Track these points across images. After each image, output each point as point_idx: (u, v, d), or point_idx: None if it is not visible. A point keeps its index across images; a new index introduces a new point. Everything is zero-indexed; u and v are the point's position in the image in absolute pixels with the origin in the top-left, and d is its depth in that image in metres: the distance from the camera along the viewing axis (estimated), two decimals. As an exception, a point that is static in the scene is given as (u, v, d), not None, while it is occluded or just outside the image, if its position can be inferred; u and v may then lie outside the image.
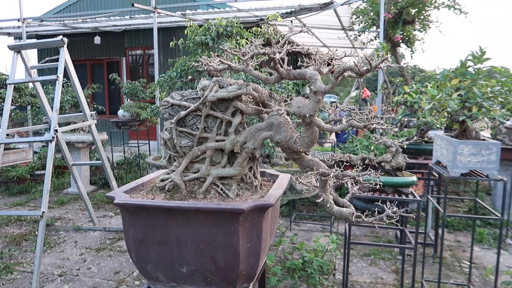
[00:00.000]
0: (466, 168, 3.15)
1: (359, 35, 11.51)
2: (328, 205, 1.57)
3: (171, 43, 3.57)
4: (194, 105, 1.50)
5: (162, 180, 1.55)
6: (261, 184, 1.65)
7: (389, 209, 1.55)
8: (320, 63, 1.34)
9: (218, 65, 1.46)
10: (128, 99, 7.09)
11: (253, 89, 1.46)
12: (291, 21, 10.17)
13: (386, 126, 1.26)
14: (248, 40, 3.51)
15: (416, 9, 10.67)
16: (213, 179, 1.51)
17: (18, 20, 8.56)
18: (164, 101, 1.57)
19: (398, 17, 10.15)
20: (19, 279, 3.66)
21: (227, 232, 1.36)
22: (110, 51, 11.01)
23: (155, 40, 6.84)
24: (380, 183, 1.49)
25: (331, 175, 1.38)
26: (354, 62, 1.13)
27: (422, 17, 10.96)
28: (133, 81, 6.57)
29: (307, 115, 1.30)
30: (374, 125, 1.28)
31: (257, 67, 1.71)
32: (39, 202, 6.03)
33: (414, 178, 2.78)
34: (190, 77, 3.35)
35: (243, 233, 1.36)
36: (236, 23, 3.53)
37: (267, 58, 1.52)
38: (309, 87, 1.28)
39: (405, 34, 11.14)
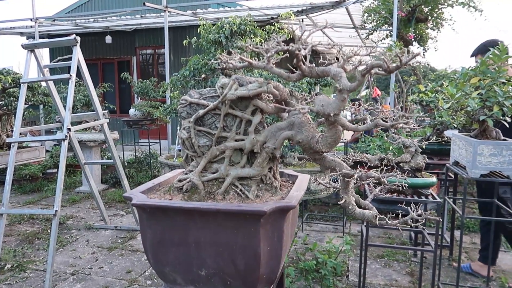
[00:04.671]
0: (486, 169, 3.07)
1: (371, 34, 11.38)
2: (350, 207, 1.52)
3: (184, 42, 3.54)
4: (213, 104, 1.47)
5: (180, 180, 1.52)
6: (280, 185, 1.61)
7: (413, 211, 1.50)
8: (344, 60, 1.29)
9: (239, 62, 1.42)
10: (139, 98, 7.10)
11: (274, 87, 1.42)
12: (302, 20, 10.10)
13: (414, 126, 1.21)
14: (263, 38, 3.46)
15: (430, 7, 10.51)
16: (232, 179, 1.47)
17: (31, 20, 8.64)
18: (182, 100, 1.54)
19: (411, 15, 10.02)
20: (32, 277, 3.67)
21: (248, 234, 1.31)
22: (121, 50, 11.06)
23: (166, 39, 6.84)
24: (406, 184, 1.44)
25: (355, 176, 1.34)
26: (383, 58, 1.08)
27: (435, 15, 10.80)
28: (145, 80, 6.56)
29: (332, 114, 1.26)
30: (401, 125, 1.23)
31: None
32: (51, 200, 6.06)
33: (434, 179, 2.71)
34: (203, 75, 3.32)
35: (264, 236, 1.32)
36: (250, 21, 3.48)
37: (285, 56, 1.48)
38: (334, 85, 1.23)
39: (417, 32, 10.99)
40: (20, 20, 9.48)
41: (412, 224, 1.45)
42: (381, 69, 1.12)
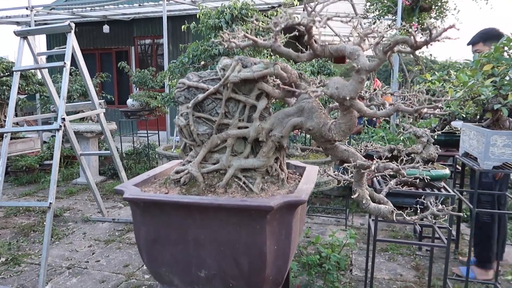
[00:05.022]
0: (499, 160, 2.93)
1: (374, 23, 11.17)
2: (364, 201, 1.39)
3: (183, 27, 3.39)
4: (213, 87, 1.32)
5: (177, 172, 1.38)
6: (287, 177, 1.47)
7: (433, 206, 1.37)
8: (361, 38, 1.15)
9: (242, 41, 1.27)
10: (137, 88, 6.94)
11: (282, 69, 1.27)
12: (303, 9, 9.90)
13: (441, 109, 1.07)
14: (265, 23, 3.29)
15: (435, -3, 10.29)
16: (235, 171, 1.33)
17: (27, 8, 8.43)
18: (179, 83, 1.39)
19: (415, 3, 9.81)
20: (26, 271, 3.56)
21: (253, 231, 1.18)
22: (119, 40, 10.86)
23: (165, 28, 6.66)
24: (428, 177, 1.30)
25: (373, 168, 1.20)
26: (410, 31, 0.93)
27: (439, 3, 10.59)
28: (142, 70, 6.40)
29: (347, 98, 1.11)
30: (425, 109, 1.09)
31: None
32: (47, 192, 5.94)
33: (447, 171, 2.58)
34: (202, 62, 3.17)
35: (270, 233, 1.19)
36: (252, 6, 3.32)
37: (292, 35, 1.34)
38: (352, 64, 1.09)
39: (420, 22, 10.79)
40: (16, 9, 9.28)
41: (433, 220, 1.33)
42: (406, 45, 0.97)
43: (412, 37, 0.95)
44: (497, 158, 2.97)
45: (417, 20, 10.50)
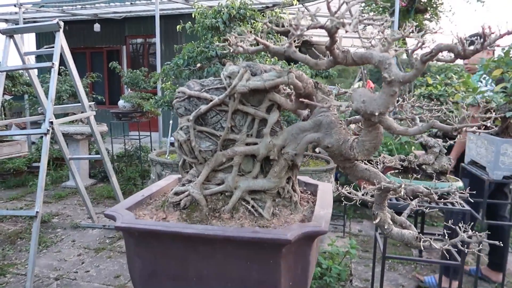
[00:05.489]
0: (510, 170, 2.81)
1: (369, 24, 11.08)
2: (386, 227, 1.24)
3: (178, 27, 3.21)
4: (218, 98, 1.16)
5: (176, 194, 1.21)
6: (299, 198, 1.31)
7: (462, 231, 1.23)
8: (389, 43, 1.00)
9: (251, 45, 1.12)
10: (129, 89, 6.74)
11: (297, 77, 1.11)
12: (298, 9, 9.76)
13: (485, 126, 0.92)
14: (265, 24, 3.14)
15: (436, -2, 10.25)
16: (242, 193, 1.17)
17: (15, 6, 8.18)
18: (179, 92, 1.23)
19: (411, 5, 9.75)
20: (12, 282, 3.36)
21: (265, 267, 1.02)
22: (110, 39, 10.62)
23: (157, 27, 6.47)
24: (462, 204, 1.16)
25: (402, 192, 1.05)
26: (461, 38, 0.78)
27: (434, 5, 10.55)
28: (134, 70, 6.20)
29: (376, 113, 0.96)
30: (467, 128, 0.94)
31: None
32: (36, 195, 5.74)
33: (460, 183, 2.44)
34: (199, 64, 3.00)
35: (285, 269, 1.03)
36: (250, 5, 3.16)
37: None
38: (382, 74, 0.94)
39: (416, 23, 10.72)
40: (4, 6, 9.01)
41: (464, 249, 1.19)
42: (452, 52, 0.82)
43: (459, 44, 0.80)
44: (508, 167, 2.84)
45: (412, 21, 10.41)
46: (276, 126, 1.19)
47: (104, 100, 7.63)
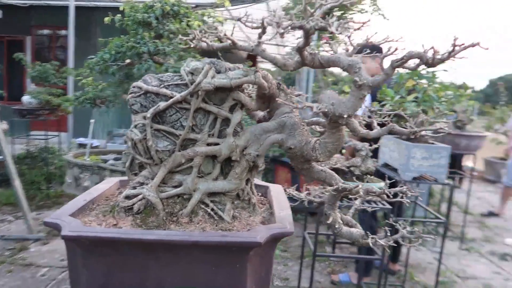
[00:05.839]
0: (418, 172, 3.12)
1: (288, 32, 11.54)
2: (337, 226, 1.28)
3: (106, 19, 2.98)
4: (180, 94, 1.08)
5: (128, 197, 1.11)
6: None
7: (403, 228, 1.32)
8: (354, 48, 1.03)
9: (216, 40, 1.07)
10: (34, 84, 6.09)
11: (262, 77, 1.10)
12: (222, 13, 9.79)
13: (442, 131, 1.00)
14: (200, 22, 3.08)
15: (342, 11, 11.02)
16: (202, 195, 1.11)
17: None
18: (134, 87, 1.12)
19: (324, 18, 10.39)
20: None
21: (232, 271, 0.98)
22: (13, 28, 9.49)
23: (71, 19, 5.96)
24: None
25: (361, 193, 1.09)
26: (431, 47, 0.84)
27: (345, 18, 11.37)
28: (44, 64, 5.62)
29: (345, 116, 0.98)
30: (424, 132, 1.01)
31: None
32: None
33: (383, 183, 2.64)
34: (128, 60, 2.82)
35: (251, 272, 1.00)
36: (184, 3, 3.08)
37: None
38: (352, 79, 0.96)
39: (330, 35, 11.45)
40: None
41: (407, 244, 1.28)
42: (421, 60, 0.88)
43: (428, 52, 0.85)
44: (416, 169, 3.17)
45: (327, 32, 11.10)
46: (237, 127, 1.15)
47: (3, 95, 6.79)
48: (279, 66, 1.09)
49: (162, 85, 1.12)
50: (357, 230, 1.33)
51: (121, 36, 2.95)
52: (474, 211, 6.22)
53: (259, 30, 1.13)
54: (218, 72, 1.11)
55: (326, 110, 0.97)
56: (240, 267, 0.98)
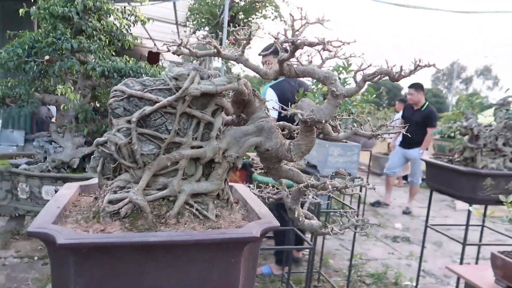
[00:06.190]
0: (335, 167, 3.48)
1: (194, 33, 11.49)
2: (300, 219, 1.42)
3: (20, 10, 2.68)
4: (167, 99, 1.10)
5: (111, 202, 1.09)
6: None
7: (353, 218, 1.52)
8: (323, 61, 1.17)
9: (196, 47, 1.11)
10: None
11: (243, 84, 1.17)
12: (124, 7, 9.34)
13: (398, 133, 1.20)
14: (123, 21, 2.98)
15: (246, 16, 11.36)
16: (187, 197, 1.15)
17: None
18: (116, 90, 1.10)
19: (232, 20, 10.60)
20: None
21: (226, 267, 1.04)
22: None
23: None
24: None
25: (330, 188, 1.24)
26: (400, 66, 1.02)
27: (250, 24, 11.77)
28: None
29: (323, 121, 1.12)
30: (381, 134, 1.20)
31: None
32: None
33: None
34: (47, 57, 2.61)
35: (242, 266, 1.08)
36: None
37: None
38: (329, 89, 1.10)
39: (235, 38, 11.72)
40: None
41: (355, 230, 1.48)
42: (388, 76, 1.06)
43: (393, 69, 1.04)
44: (333, 165, 3.52)
45: (233, 35, 11.34)
46: (218, 130, 1.21)
47: None
48: (261, 75, 1.18)
49: (146, 90, 1.12)
50: (316, 222, 1.49)
51: (38, 30, 2.70)
52: (366, 201, 7.00)
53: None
54: (201, 78, 1.15)
55: (312, 116, 1.10)
56: (235, 262, 1.05)
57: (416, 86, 6.71)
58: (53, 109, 7.44)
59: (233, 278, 1.06)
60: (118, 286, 0.97)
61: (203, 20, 11.19)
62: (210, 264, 1.03)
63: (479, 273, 1.92)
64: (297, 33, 1.06)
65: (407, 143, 6.85)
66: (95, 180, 1.45)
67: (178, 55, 1.14)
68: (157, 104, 1.10)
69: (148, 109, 1.10)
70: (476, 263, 3.93)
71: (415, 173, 6.95)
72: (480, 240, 3.59)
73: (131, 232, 1.04)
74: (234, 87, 1.15)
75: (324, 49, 1.08)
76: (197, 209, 1.16)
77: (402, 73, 1.03)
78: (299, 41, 1.03)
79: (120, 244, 0.94)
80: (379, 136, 1.20)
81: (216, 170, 1.21)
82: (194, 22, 11.57)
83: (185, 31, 12.25)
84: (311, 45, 1.06)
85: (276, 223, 1.14)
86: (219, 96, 1.18)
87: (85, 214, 1.13)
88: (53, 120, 7.71)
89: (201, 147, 1.18)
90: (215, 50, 1.13)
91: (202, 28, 11.49)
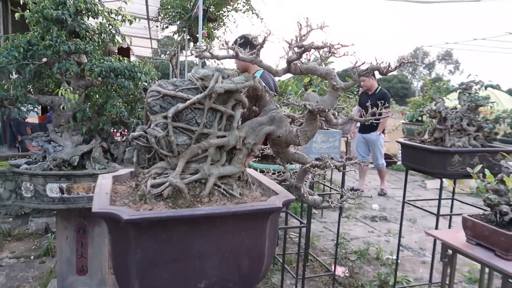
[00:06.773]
0: (319, 153, 3.75)
1: (167, 27, 11.52)
2: (305, 195, 1.66)
3: (16, 14, 2.74)
4: (196, 97, 1.30)
5: (153, 186, 1.28)
6: (245, 181, 1.57)
7: (347, 192, 1.77)
8: (321, 60, 1.40)
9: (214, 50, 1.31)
10: None
11: (258, 82, 1.39)
12: (110, 9, 9.26)
13: (383, 119, 1.44)
14: (112, 21, 3.10)
15: (218, 9, 11.46)
16: (215, 179, 1.36)
17: None
18: (153, 91, 1.29)
19: (204, 14, 10.69)
20: None
21: (255, 234, 1.26)
22: None
23: None
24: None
25: (332, 166, 1.48)
26: (388, 63, 1.26)
27: (222, 17, 11.89)
28: None
29: (326, 110, 1.35)
30: (371, 120, 1.44)
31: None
32: None
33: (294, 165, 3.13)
34: (44, 59, 2.71)
35: (267, 233, 1.30)
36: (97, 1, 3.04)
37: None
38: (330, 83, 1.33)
39: (207, 31, 11.82)
40: None
41: (352, 203, 1.71)
42: (379, 71, 1.29)
43: (382, 65, 1.27)
44: (318, 151, 3.79)
45: (205, 29, 11.43)
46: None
47: None
48: (273, 73, 1.39)
49: (178, 89, 1.32)
50: (318, 197, 1.73)
51: (33, 33, 2.79)
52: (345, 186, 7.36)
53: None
54: (223, 77, 1.36)
55: (318, 106, 1.33)
56: (261, 229, 1.27)
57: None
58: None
59: (261, 243, 1.28)
60: (169, 253, 1.18)
61: (175, 14, 11.22)
62: (242, 231, 1.25)
63: (453, 235, 2.23)
64: (303, 38, 1.28)
65: (365, 128, 7.19)
66: (122, 172, 1.63)
67: (201, 59, 1.33)
68: (189, 101, 1.30)
69: (181, 105, 1.29)
70: (448, 233, 4.32)
71: (377, 156, 7.28)
72: (451, 211, 3.96)
73: (174, 209, 1.24)
74: (251, 84, 1.36)
75: (329, 52, 1.31)
76: (224, 189, 1.37)
77: (390, 68, 1.27)
78: (307, 45, 1.25)
79: (173, 218, 1.14)
80: (370, 120, 1.44)
81: (237, 156, 1.42)
82: (166, 17, 11.57)
83: (157, 26, 12.24)
84: (317, 48, 1.28)
85: (292, 196, 1.37)
86: (238, 93, 1.38)
87: (131, 197, 1.31)
88: (27, 120, 7.62)
89: (224, 136, 1.39)
90: (234, 53, 1.33)
91: (174, 22, 11.50)
